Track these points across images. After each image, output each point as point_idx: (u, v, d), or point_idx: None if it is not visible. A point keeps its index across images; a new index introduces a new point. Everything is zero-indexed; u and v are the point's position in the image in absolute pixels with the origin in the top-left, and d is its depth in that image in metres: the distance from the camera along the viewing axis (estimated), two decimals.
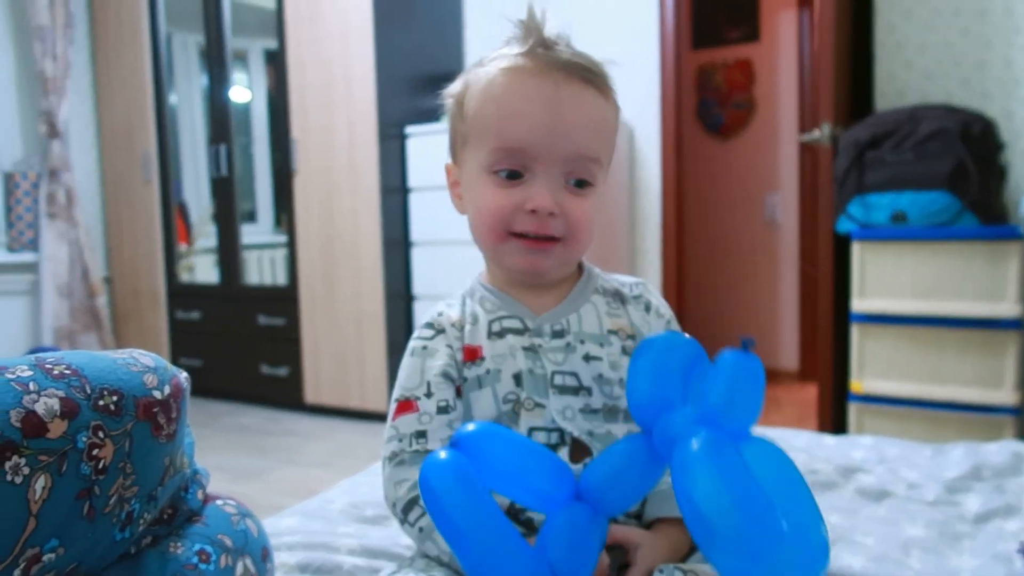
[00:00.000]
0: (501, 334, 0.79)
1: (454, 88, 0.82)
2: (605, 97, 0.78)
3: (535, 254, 0.77)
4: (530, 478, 0.63)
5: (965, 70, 2.51)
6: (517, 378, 0.77)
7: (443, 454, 0.60)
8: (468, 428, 0.63)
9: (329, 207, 3.18)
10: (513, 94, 0.75)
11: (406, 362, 0.81)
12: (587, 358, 0.78)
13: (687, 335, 0.77)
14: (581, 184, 0.76)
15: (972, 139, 2.16)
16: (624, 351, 0.80)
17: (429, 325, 0.82)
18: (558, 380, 0.77)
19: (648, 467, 0.65)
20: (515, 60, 0.76)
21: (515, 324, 0.80)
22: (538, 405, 0.76)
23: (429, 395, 0.77)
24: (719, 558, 0.52)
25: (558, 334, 0.79)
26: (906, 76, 2.59)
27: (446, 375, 0.78)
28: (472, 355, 0.78)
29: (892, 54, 2.61)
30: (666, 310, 0.86)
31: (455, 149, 0.83)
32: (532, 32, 0.77)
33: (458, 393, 0.78)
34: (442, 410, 0.77)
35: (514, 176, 0.75)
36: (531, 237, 0.76)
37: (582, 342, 0.79)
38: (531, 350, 0.78)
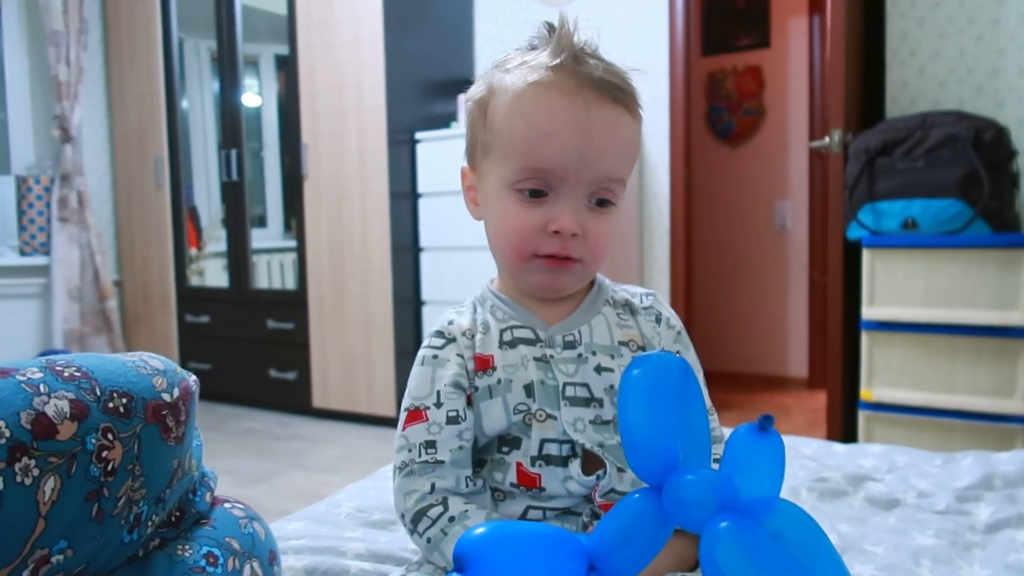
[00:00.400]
0: (513, 344, 0.78)
1: (476, 92, 0.80)
2: (633, 116, 0.77)
3: (555, 273, 0.77)
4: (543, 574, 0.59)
5: (978, 77, 2.49)
6: (528, 389, 0.76)
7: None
8: (473, 534, 0.58)
9: (339, 212, 3.19)
10: (544, 114, 0.73)
11: (416, 371, 0.80)
12: (599, 369, 0.77)
13: (676, 353, 0.77)
14: (603, 203, 0.76)
15: (984, 146, 2.14)
16: None
17: (439, 334, 0.81)
18: (569, 391, 0.76)
19: (659, 529, 0.62)
20: (546, 75, 0.74)
21: (527, 334, 0.79)
22: (550, 416, 0.75)
23: (439, 405, 0.76)
24: None
25: (570, 345, 0.78)
26: (918, 83, 2.58)
27: (457, 384, 0.77)
28: (484, 364, 0.78)
29: (904, 61, 2.60)
30: (676, 321, 0.86)
31: (474, 154, 0.82)
32: (564, 44, 0.75)
33: (468, 402, 0.77)
34: (452, 420, 0.76)
35: (537, 194, 0.75)
36: (553, 257, 0.76)
37: (593, 353, 0.78)
38: (543, 361, 0.77)
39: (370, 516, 1.10)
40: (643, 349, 0.81)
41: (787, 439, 1.45)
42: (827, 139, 2.51)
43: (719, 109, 4.10)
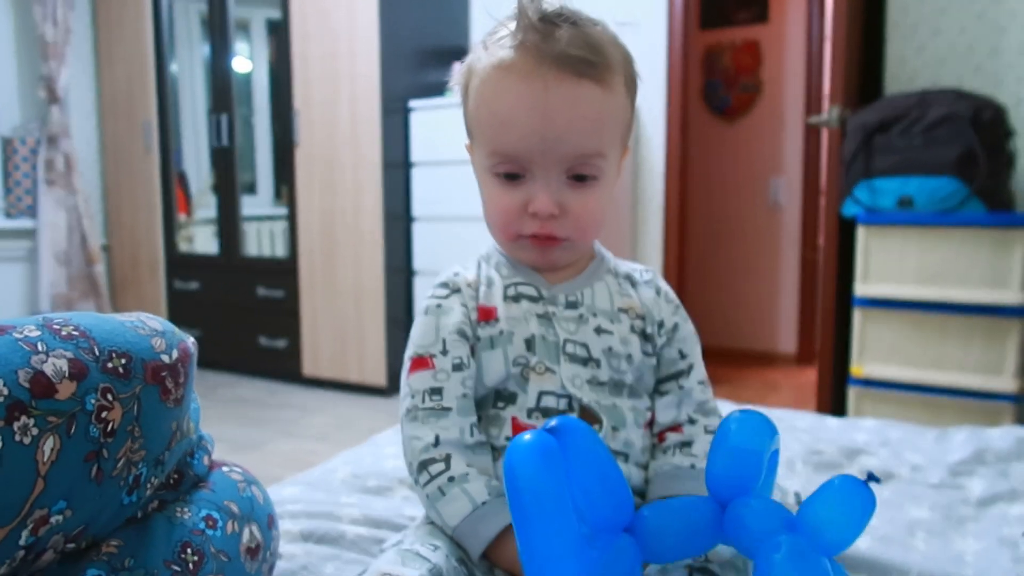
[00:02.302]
0: (517, 298, 0.79)
1: (459, 73, 0.80)
2: (604, 86, 0.73)
3: (543, 251, 0.78)
4: (605, 489, 0.62)
5: (978, 56, 2.48)
6: (529, 343, 0.77)
7: (528, 436, 0.58)
8: (572, 418, 0.63)
9: (330, 180, 3.16)
10: (502, 100, 0.73)
11: (420, 320, 0.81)
12: (598, 331, 0.79)
13: (674, 325, 0.78)
14: (582, 178, 0.75)
15: (982, 125, 2.14)
16: (633, 329, 0.81)
17: (444, 284, 0.82)
18: (569, 348, 0.77)
19: (707, 533, 0.64)
20: (507, 56, 0.72)
21: (530, 291, 0.80)
22: (548, 370, 0.76)
23: (444, 352, 0.77)
24: None
25: (572, 305, 0.80)
26: (918, 60, 2.57)
27: (461, 333, 0.78)
28: (487, 315, 0.79)
29: (905, 37, 2.59)
30: (674, 297, 0.87)
31: (468, 134, 0.82)
32: (524, 22, 0.72)
33: (472, 351, 0.78)
34: (457, 367, 0.77)
35: (514, 176, 0.75)
36: (536, 236, 0.76)
37: (594, 315, 0.80)
38: (544, 317, 0.79)
39: (365, 482, 1.10)
40: (642, 318, 0.82)
41: (781, 412, 1.45)
42: (825, 115, 2.50)
43: (716, 84, 4.07)
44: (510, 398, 0.77)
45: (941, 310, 2.15)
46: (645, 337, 0.82)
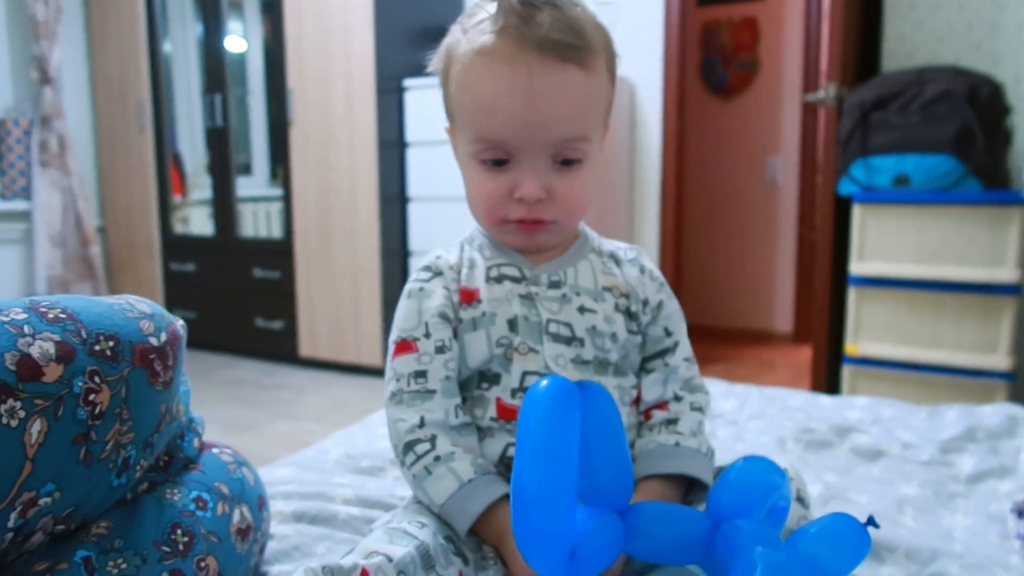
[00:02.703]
0: (499, 279, 0.80)
1: (437, 57, 0.80)
2: (587, 70, 0.73)
3: (529, 235, 0.78)
4: (611, 463, 0.63)
5: (977, 33, 2.46)
6: (512, 323, 0.77)
7: (548, 382, 0.59)
8: (600, 386, 0.64)
9: (326, 160, 3.14)
10: (486, 87, 0.72)
11: (403, 304, 0.81)
12: (581, 310, 0.79)
13: (659, 303, 0.80)
14: (568, 162, 0.75)
15: (979, 103, 2.13)
16: (617, 308, 0.81)
17: (427, 268, 0.83)
18: (552, 328, 0.78)
19: (694, 547, 0.65)
20: (488, 41, 0.71)
21: (513, 272, 0.80)
22: (532, 350, 0.77)
23: (427, 335, 0.78)
24: None
25: (555, 285, 0.80)
26: (916, 37, 2.55)
27: (443, 315, 0.79)
28: (469, 297, 0.79)
29: (903, 14, 2.56)
30: (658, 275, 0.87)
31: (449, 117, 0.82)
32: (505, 5, 0.72)
33: (454, 334, 0.79)
34: (440, 350, 0.77)
35: (500, 162, 0.75)
36: (523, 221, 0.77)
37: (577, 294, 0.80)
38: (527, 298, 0.79)
39: (358, 463, 1.11)
40: (626, 296, 0.82)
41: (774, 391, 1.46)
42: (822, 92, 2.48)
43: (713, 61, 4.04)
44: (494, 379, 0.77)
45: (936, 288, 2.15)
46: (630, 315, 0.82)
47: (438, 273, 0.81)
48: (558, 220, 0.77)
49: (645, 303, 0.83)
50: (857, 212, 2.25)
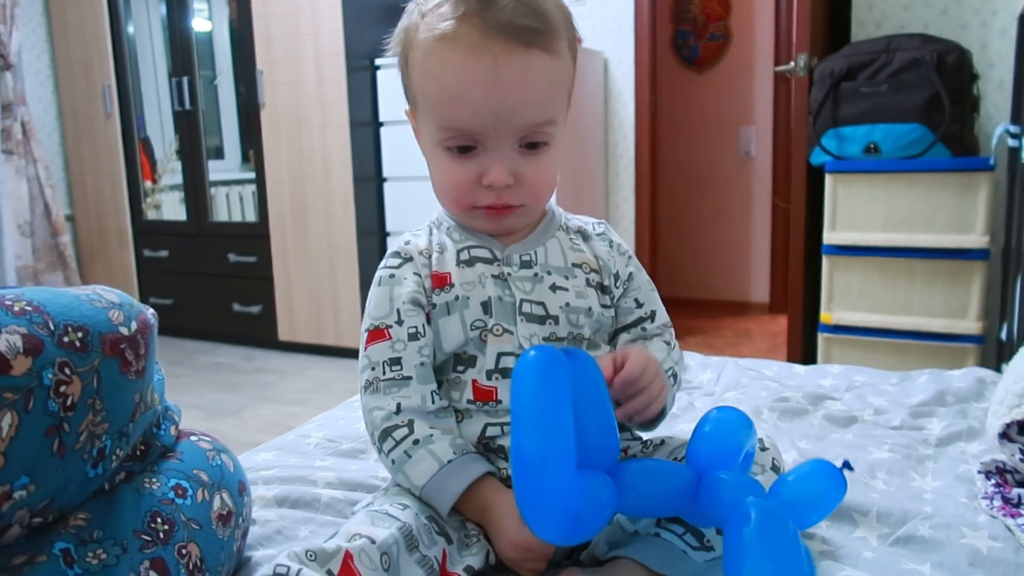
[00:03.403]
0: (471, 262, 0.80)
1: (395, 40, 0.79)
2: (551, 53, 0.72)
3: (497, 219, 0.79)
4: (600, 422, 0.65)
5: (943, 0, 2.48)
6: (485, 305, 0.78)
7: (532, 352, 0.62)
8: (585, 353, 0.67)
9: (298, 141, 3.11)
10: (451, 75, 0.71)
11: (374, 291, 0.81)
12: (553, 288, 0.79)
13: (629, 275, 0.83)
14: (534, 146, 0.75)
15: (947, 70, 2.14)
16: (588, 283, 0.82)
17: (396, 254, 0.82)
18: (526, 308, 0.78)
19: (681, 498, 0.67)
20: (451, 27, 0.70)
21: (484, 254, 0.80)
22: (506, 331, 0.77)
23: (400, 322, 0.78)
24: None
25: (526, 264, 0.80)
26: (884, 5, 2.56)
27: (415, 302, 0.78)
28: (441, 282, 0.79)
29: None
30: (627, 248, 0.88)
31: (409, 103, 0.81)
32: None
33: (427, 319, 0.79)
34: (412, 336, 0.77)
35: (466, 149, 0.74)
36: (491, 207, 0.77)
37: (548, 273, 0.80)
38: (500, 278, 0.79)
39: (339, 445, 1.11)
40: (597, 272, 0.83)
41: (750, 361, 1.48)
42: (792, 63, 2.49)
43: (685, 33, 4.04)
44: (469, 361, 0.78)
45: (907, 255, 2.18)
46: (602, 290, 0.83)
47: (408, 259, 0.81)
48: (526, 204, 0.78)
49: (616, 277, 0.84)
50: (829, 182, 2.27)
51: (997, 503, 0.85)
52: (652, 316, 0.85)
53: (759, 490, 0.66)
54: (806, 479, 0.69)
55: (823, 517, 0.72)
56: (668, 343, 0.85)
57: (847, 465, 0.69)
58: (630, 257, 0.87)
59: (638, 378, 0.72)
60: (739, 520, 0.61)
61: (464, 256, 0.80)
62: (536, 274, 0.80)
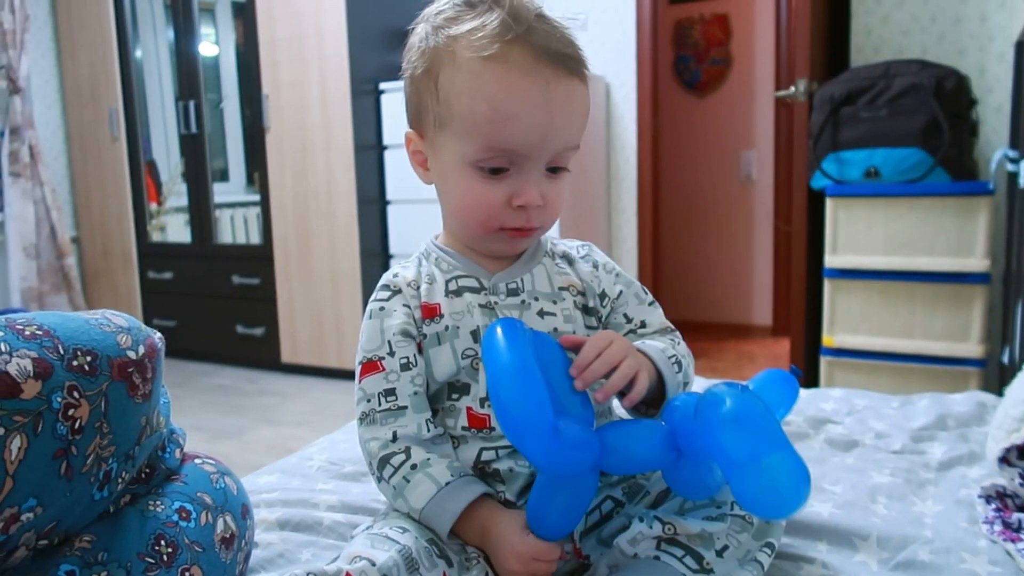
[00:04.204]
0: (459, 292, 0.81)
1: (417, 61, 0.78)
2: (585, 83, 0.77)
3: (517, 241, 0.80)
4: (571, 388, 0.70)
5: (941, 25, 2.51)
6: (475, 334, 0.79)
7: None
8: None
9: (303, 165, 3.14)
10: (506, 95, 0.72)
11: (365, 324, 0.82)
12: (541, 314, 0.81)
13: (619, 294, 0.87)
14: (556, 170, 0.78)
15: (945, 95, 2.17)
16: (576, 306, 0.83)
17: (385, 287, 0.84)
18: None
19: (656, 449, 0.70)
20: (501, 50, 0.71)
21: (472, 283, 0.82)
22: None
23: (392, 354, 0.79)
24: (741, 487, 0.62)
25: (513, 292, 0.81)
26: (883, 31, 2.59)
27: (406, 333, 0.80)
28: (431, 312, 0.80)
29: (870, 9, 2.60)
30: (613, 266, 0.89)
31: (422, 122, 0.80)
32: (516, 14, 0.72)
33: (419, 350, 0.80)
34: (405, 367, 0.78)
35: (498, 171, 0.75)
36: (518, 229, 0.78)
37: (536, 299, 0.81)
38: (487, 307, 0.80)
39: (342, 468, 1.11)
40: (583, 294, 0.84)
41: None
42: (792, 88, 2.52)
43: (686, 58, 4.08)
44: (463, 389, 0.79)
45: (908, 279, 2.19)
46: (588, 311, 0.84)
47: (397, 291, 0.82)
48: (544, 226, 0.80)
49: (603, 296, 0.85)
50: (829, 205, 2.28)
51: (997, 528, 0.85)
52: (642, 324, 0.85)
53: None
54: (763, 383, 0.78)
55: (783, 416, 0.81)
56: (672, 340, 0.84)
57: (795, 372, 0.77)
58: (618, 274, 0.88)
59: (599, 355, 0.71)
60: (713, 401, 0.65)
61: (452, 287, 0.81)
62: (523, 301, 0.81)
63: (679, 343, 0.85)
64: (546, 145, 0.74)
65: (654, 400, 0.78)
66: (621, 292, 0.86)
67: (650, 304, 0.88)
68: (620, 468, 0.72)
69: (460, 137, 0.75)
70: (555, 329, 0.80)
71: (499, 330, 0.67)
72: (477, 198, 0.77)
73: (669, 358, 0.79)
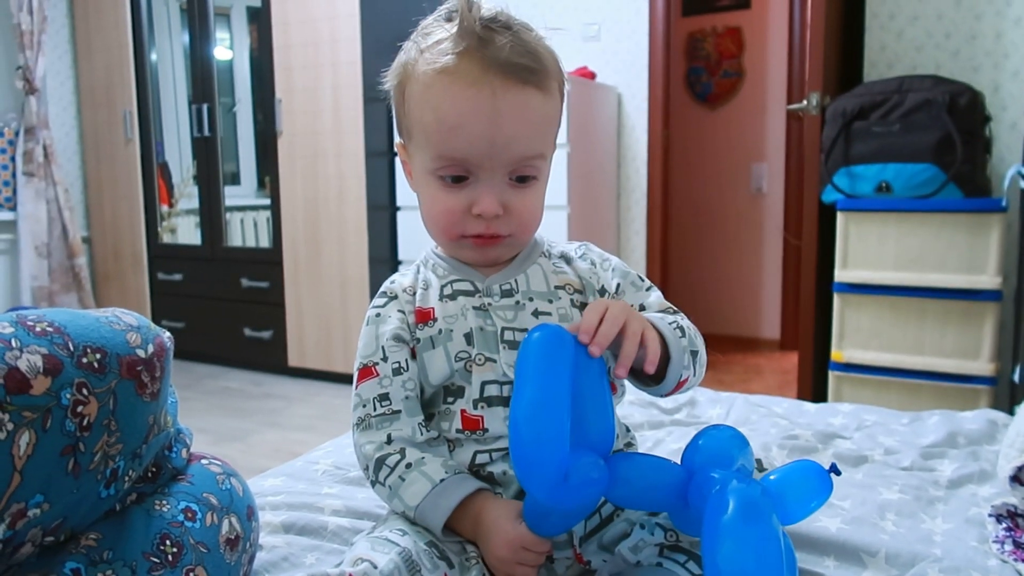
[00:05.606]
0: (453, 296, 0.82)
1: (392, 75, 0.82)
2: (545, 91, 0.76)
3: (484, 249, 0.81)
4: (598, 410, 0.67)
5: (956, 42, 2.50)
6: (468, 337, 0.79)
7: (536, 333, 0.66)
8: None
9: (314, 170, 3.15)
10: (450, 106, 0.73)
11: (363, 331, 0.84)
12: (536, 313, 0.80)
13: (621, 292, 0.85)
14: (524, 179, 0.78)
15: (959, 111, 2.16)
16: (573, 303, 0.82)
17: (383, 294, 0.86)
18: (508, 335, 0.79)
19: (668, 490, 0.68)
20: (451, 61, 0.73)
21: (466, 286, 0.82)
22: (489, 360, 0.78)
23: (385, 359, 0.80)
24: None
25: (507, 293, 0.82)
26: (896, 46, 2.58)
27: (398, 338, 0.81)
28: (424, 317, 0.81)
29: (883, 24, 2.60)
30: (612, 262, 0.88)
31: (401, 133, 0.84)
32: (466, 28, 0.73)
33: (412, 355, 0.81)
34: (396, 371, 0.80)
35: (459, 179, 0.77)
36: (480, 236, 0.79)
37: (531, 299, 0.81)
38: (481, 309, 0.80)
39: (347, 473, 1.11)
40: (580, 292, 0.84)
41: (759, 398, 1.47)
42: (805, 102, 2.51)
43: (698, 70, 4.08)
44: (458, 392, 0.79)
45: (919, 295, 2.18)
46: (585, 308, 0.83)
47: (393, 297, 0.84)
48: (513, 234, 0.80)
49: (602, 292, 0.84)
50: (841, 220, 2.28)
51: (1008, 547, 0.84)
52: (641, 308, 0.84)
53: (748, 477, 0.67)
54: (793, 476, 0.70)
55: (807, 515, 0.72)
56: (674, 317, 0.82)
57: (834, 469, 0.70)
58: (614, 268, 0.87)
59: (602, 318, 0.69)
60: (719, 504, 0.61)
61: (447, 291, 0.82)
62: (518, 301, 0.81)
63: (682, 317, 0.84)
64: (496, 154, 0.74)
65: (657, 371, 0.75)
66: (619, 285, 0.86)
67: (647, 289, 0.87)
68: (626, 503, 0.71)
69: (420, 147, 0.78)
70: None
71: (537, 342, 0.65)
72: (439, 205, 0.79)
73: (670, 323, 0.78)
